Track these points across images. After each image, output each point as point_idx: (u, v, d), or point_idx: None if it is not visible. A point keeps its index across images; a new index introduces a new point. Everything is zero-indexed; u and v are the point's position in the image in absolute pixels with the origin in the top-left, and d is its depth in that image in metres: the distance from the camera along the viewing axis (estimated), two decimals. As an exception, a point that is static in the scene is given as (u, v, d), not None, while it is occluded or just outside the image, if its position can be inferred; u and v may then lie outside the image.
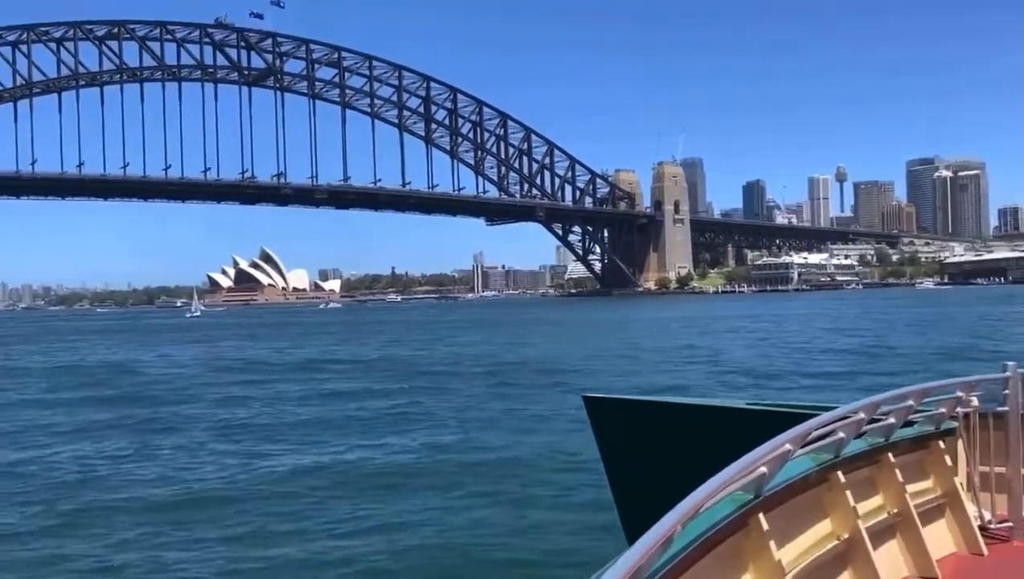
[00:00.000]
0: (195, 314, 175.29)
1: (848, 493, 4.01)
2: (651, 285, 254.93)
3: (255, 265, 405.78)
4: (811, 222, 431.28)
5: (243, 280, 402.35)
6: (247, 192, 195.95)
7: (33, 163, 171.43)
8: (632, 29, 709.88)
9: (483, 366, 40.87)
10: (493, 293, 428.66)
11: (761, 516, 3.26)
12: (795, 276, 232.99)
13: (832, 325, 69.94)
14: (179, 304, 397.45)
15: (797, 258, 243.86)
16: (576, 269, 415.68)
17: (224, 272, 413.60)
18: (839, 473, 4.03)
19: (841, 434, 3.92)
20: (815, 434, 3.69)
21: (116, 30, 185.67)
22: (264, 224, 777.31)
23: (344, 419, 25.42)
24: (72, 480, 17.41)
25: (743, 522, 3.18)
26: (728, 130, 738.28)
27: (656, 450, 5.55)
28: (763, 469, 3.12)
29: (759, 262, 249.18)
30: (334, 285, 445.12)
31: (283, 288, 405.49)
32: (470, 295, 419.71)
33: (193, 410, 28.49)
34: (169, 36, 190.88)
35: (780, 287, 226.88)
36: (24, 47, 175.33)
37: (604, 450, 6.03)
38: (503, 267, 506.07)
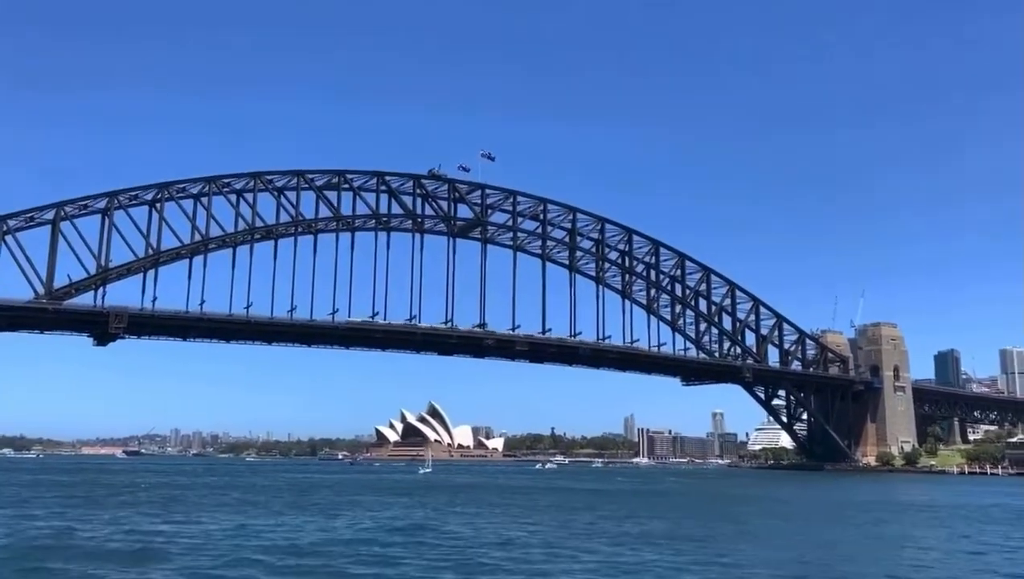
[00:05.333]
0: (427, 470, 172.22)
1: None
2: (870, 460, 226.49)
3: (423, 419, 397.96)
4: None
5: (410, 434, 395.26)
6: (450, 341, 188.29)
7: (248, 307, 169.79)
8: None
9: None
10: (647, 461, 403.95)
11: None
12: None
13: None
14: (340, 457, 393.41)
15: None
16: (759, 438, 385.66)
17: (392, 426, 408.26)
18: None
19: None
20: None
21: (336, 180, 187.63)
22: (403, 375, 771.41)
23: None
24: None
25: None
26: (912, 297, 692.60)
27: None
28: None
29: (1014, 440, 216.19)
30: (497, 443, 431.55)
31: (448, 444, 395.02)
32: (640, 460, 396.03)
33: None
34: (384, 186, 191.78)
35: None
36: (249, 195, 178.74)
37: None
38: (670, 432, 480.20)
